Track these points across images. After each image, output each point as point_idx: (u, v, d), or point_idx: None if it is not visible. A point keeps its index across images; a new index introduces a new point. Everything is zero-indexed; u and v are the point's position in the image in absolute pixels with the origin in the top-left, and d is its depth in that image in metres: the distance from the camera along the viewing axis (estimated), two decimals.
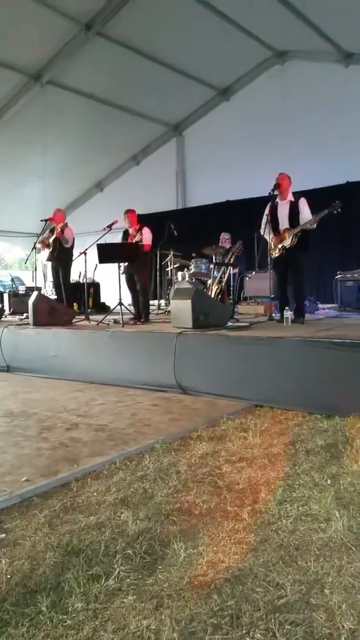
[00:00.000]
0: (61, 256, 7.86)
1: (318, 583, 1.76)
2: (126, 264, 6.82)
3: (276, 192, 5.94)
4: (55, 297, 8.20)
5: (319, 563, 1.88)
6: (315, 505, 2.33)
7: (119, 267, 6.71)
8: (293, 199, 5.89)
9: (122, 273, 6.87)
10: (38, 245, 8.13)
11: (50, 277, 11.10)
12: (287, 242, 5.79)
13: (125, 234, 7.15)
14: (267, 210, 6.02)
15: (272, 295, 6.69)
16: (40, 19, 7.85)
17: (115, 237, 7.80)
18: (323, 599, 1.67)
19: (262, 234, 6.17)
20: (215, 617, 1.61)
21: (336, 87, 9.25)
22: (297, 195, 5.97)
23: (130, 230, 7.05)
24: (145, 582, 1.81)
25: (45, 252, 7.98)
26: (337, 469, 2.77)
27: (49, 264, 8.50)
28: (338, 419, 3.67)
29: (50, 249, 7.85)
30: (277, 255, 5.92)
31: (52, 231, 7.93)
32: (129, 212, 7.13)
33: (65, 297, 7.96)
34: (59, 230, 7.74)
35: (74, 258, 8.02)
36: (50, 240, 7.85)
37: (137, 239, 6.86)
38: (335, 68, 9.28)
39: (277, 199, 5.94)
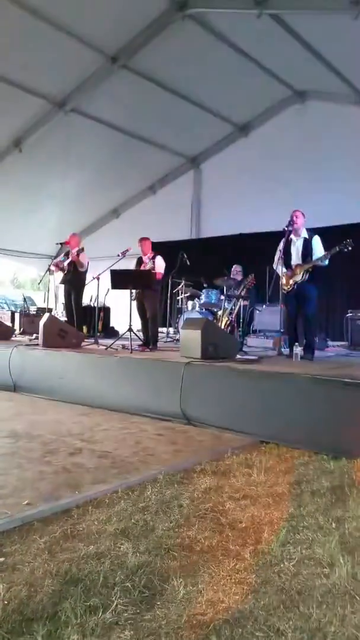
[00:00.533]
0: (75, 280, 7.96)
1: (320, 632, 1.72)
2: (138, 290, 6.89)
3: (290, 228, 6.03)
4: (66, 319, 8.27)
5: (322, 610, 1.84)
6: (319, 549, 2.29)
7: (131, 293, 6.77)
8: (307, 236, 5.97)
9: (133, 299, 6.94)
10: (52, 268, 8.25)
11: (61, 299, 11.21)
12: (299, 278, 5.84)
13: (139, 261, 7.25)
14: (280, 246, 6.10)
15: (281, 330, 6.70)
16: (69, 49, 8.17)
17: (129, 264, 7.90)
18: None
19: (274, 268, 6.24)
20: None
21: (353, 128, 9.44)
22: (311, 232, 6.06)
23: (144, 258, 7.16)
24: (143, 618, 1.77)
25: (60, 275, 8.09)
26: (342, 512, 2.72)
27: (62, 286, 8.61)
28: (345, 461, 3.62)
29: (65, 272, 7.97)
30: (288, 290, 5.96)
31: (67, 255, 8.06)
32: (143, 240, 7.26)
33: (76, 320, 8.02)
34: (75, 254, 7.86)
35: (87, 282, 8.12)
36: (66, 264, 7.97)
37: (149, 266, 6.95)
38: (353, 110, 9.49)
39: (291, 235, 6.02)
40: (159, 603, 1.86)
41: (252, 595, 1.93)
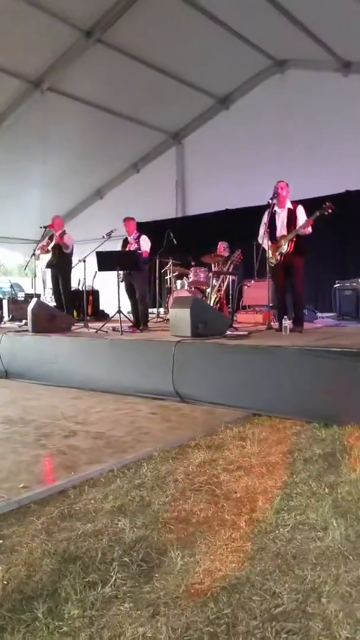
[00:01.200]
0: (61, 263, 7.90)
1: (315, 592, 1.76)
2: (125, 272, 6.85)
3: (274, 200, 5.99)
4: (55, 304, 8.22)
5: (316, 572, 1.89)
6: (313, 514, 2.33)
7: (118, 275, 6.73)
8: (291, 207, 5.93)
9: (121, 281, 6.89)
10: (37, 252, 8.16)
11: (49, 284, 11.13)
12: (284, 248, 5.82)
13: (125, 242, 7.19)
14: (265, 219, 6.06)
15: (270, 304, 6.71)
16: (41, 25, 7.90)
17: (115, 245, 7.83)
18: (320, 608, 1.68)
19: (260, 242, 6.21)
20: (212, 625, 1.61)
21: (335, 96, 9.32)
22: (296, 203, 6.02)
23: (129, 238, 7.10)
24: (141, 590, 1.81)
25: (45, 259, 8.02)
26: (334, 477, 2.77)
27: (49, 270, 8.53)
28: (336, 428, 3.68)
29: (50, 256, 7.90)
30: (275, 262, 5.95)
31: (51, 238, 7.97)
32: (127, 220, 7.18)
33: (65, 304, 7.97)
34: (58, 236, 7.78)
35: (73, 265, 8.05)
36: (50, 247, 7.89)
37: (135, 246, 6.90)
38: (334, 77, 9.36)
39: (275, 207, 5.98)
40: (157, 575, 1.90)
41: (248, 562, 1.97)
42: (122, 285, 6.96)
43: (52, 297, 9.32)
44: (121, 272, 6.82)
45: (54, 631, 1.59)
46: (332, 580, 1.83)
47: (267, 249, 6.06)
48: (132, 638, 1.55)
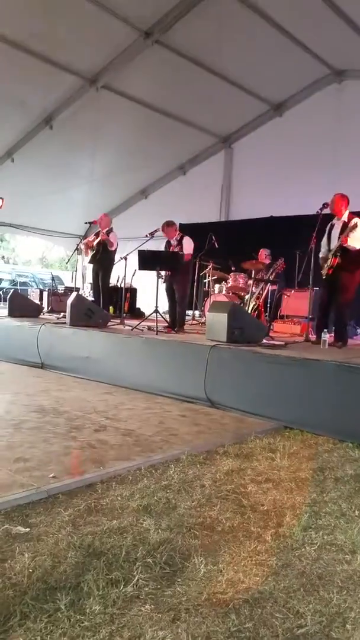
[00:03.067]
0: (103, 259, 8.00)
1: (340, 617, 1.72)
2: (167, 272, 6.89)
3: (325, 211, 5.90)
4: (92, 299, 8.33)
5: (342, 596, 1.84)
6: (341, 536, 2.28)
7: (158, 274, 6.76)
8: (347, 219, 5.80)
9: (163, 282, 6.94)
10: (81, 247, 8.28)
11: (89, 279, 11.31)
12: (329, 262, 5.72)
13: (168, 244, 7.22)
14: (328, 229, 5.98)
15: (310, 316, 6.60)
16: (101, 24, 8.02)
17: (157, 245, 7.87)
18: (344, 634, 1.63)
19: (320, 254, 6.07)
20: (232, 637, 1.59)
21: None
22: (353, 215, 5.85)
23: (172, 241, 7.12)
24: (163, 593, 1.80)
25: (89, 255, 8.14)
26: None
27: (90, 266, 8.65)
28: None
29: (94, 252, 8.01)
30: (325, 275, 5.86)
31: (97, 234, 8.09)
32: (166, 226, 7.12)
33: (103, 301, 8.07)
34: (104, 233, 7.89)
35: (115, 263, 8.14)
36: (95, 243, 8.01)
37: (176, 249, 6.93)
38: None
39: (335, 219, 5.89)
40: (179, 580, 1.89)
41: (272, 577, 1.94)
42: (163, 285, 6.99)
43: (91, 292, 9.47)
44: (162, 272, 6.86)
45: (75, 624, 1.60)
46: (358, 607, 1.78)
47: (320, 260, 5.96)
48: None
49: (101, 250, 7.93)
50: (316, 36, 8.58)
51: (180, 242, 7.00)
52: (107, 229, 7.97)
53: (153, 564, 1.97)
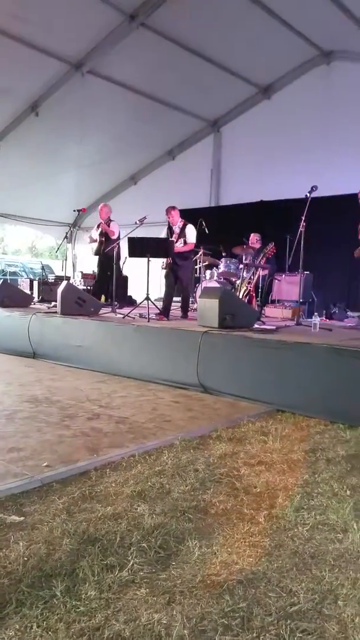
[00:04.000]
0: (108, 249, 7.99)
1: (332, 593, 1.75)
2: (169, 260, 6.88)
3: (314, 194, 5.87)
4: (88, 288, 8.30)
5: (334, 573, 1.87)
6: (333, 515, 2.31)
7: (148, 261, 6.73)
8: None
9: (163, 268, 6.94)
10: (89, 243, 8.29)
11: (79, 268, 11.25)
12: None
13: (170, 230, 7.19)
14: None
15: (301, 300, 6.62)
16: (85, 7, 7.86)
17: (147, 231, 7.82)
18: (336, 610, 1.66)
19: None
20: (226, 617, 1.61)
21: None
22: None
23: (174, 228, 7.09)
24: (158, 577, 1.82)
25: (94, 246, 8.17)
26: (357, 480, 2.74)
27: (79, 254, 8.61)
28: None
29: (97, 243, 8.01)
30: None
31: (98, 226, 8.09)
32: (170, 209, 7.15)
33: (115, 290, 8.00)
34: (104, 224, 7.89)
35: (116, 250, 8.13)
36: (97, 235, 8.01)
37: (176, 237, 6.90)
38: None
39: None
40: (174, 563, 1.91)
41: (265, 557, 1.97)
42: (153, 271, 6.98)
43: (93, 283, 9.43)
44: (164, 261, 6.86)
45: (71, 610, 1.62)
46: (349, 584, 1.81)
47: None
48: (147, 623, 1.57)
49: (104, 241, 7.93)
50: (304, 17, 8.45)
51: (183, 230, 6.97)
52: (106, 218, 7.96)
53: (148, 548, 1.99)
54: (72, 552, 1.95)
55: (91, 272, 11.05)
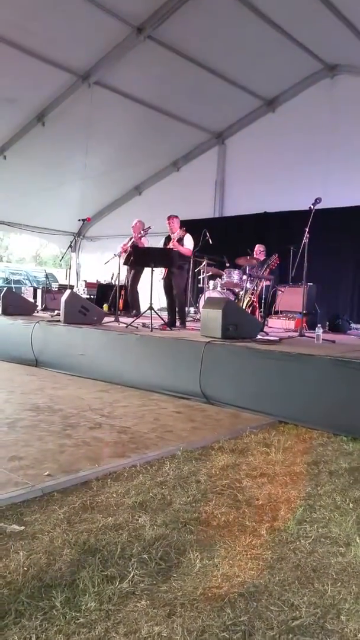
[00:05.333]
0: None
1: (334, 608, 1.73)
2: (166, 269, 6.90)
3: (318, 206, 5.91)
4: (91, 297, 8.35)
5: (336, 588, 1.85)
6: (336, 529, 2.29)
7: (152, 271, 6.75)
8: None
9: (162, 278, 6.96)
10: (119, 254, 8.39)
11: (83, 277, 11.29)
12: None
13: (167, 239, 7.22)
14: None
15: (304, 311, 6.62)
16: (92, 19, 7.97)
17: (151, 241, 7.87)
18: (339, 625, 1.64)
19: None
20: (228, 631, 1.59)
21: None
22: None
23: (173, 236, 7.12)
24: (159, 589, 1.81)
25: (122, 257, 8.28)
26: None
27: (83, 263, 8.66)
28: None
29: (127, 254, 8.10)
30: None
31: (129, 239, 8.23)
32: (171, 217, 7.21)
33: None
34: (138, 237, 8.07)
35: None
36: (128, 246, 8.09)
37: (174, 245, 6.94)
38: None
39: None
40: (175, 575, 1.90)
41: (267, 570, 1.95)
42: (157, 281, 7.00)
43: (85, 290, 9.46)
44: (162, 270, 6.88)
45: (70, 621, 1.60)
46: (352, 598, 1.79)
47: None
48: (147, 636, 1.55)
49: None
50: (308, 31, 8.56)
51: (182, 239, 7.00)
52: (138, 233, 8.06)
53: (148, 559, 1.98)
54: (72, 562, 1.94)
55: (94, 281, 11.09)
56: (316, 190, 6.28)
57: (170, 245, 6.97)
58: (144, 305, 8.83)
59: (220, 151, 11.91)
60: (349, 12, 7.84)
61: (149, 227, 7.38)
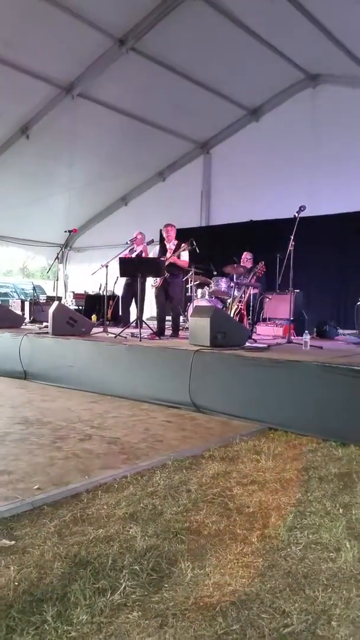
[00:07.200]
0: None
1: (325, 614, 1.74)
2: (162, 279, 6.92)
3: (302, 214, 5.99)
4: (79, 308, 8.32)
5: (327, 593, 1.86)
6: (326, 534, 2.30)
7: (138, 281, 6.77)
8: None
9: (157, 286, 6.98)
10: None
11: (71, 288, 11.27)
12: None
13: (163, 248, 7.25)
14: None
15: (291, 318, 6.67)
16: (75, 31, 8.03)
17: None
18: (330, 631, 1.65)
19: None
20: None
21: None
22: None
23: (169, 245, 7.16)
24: (150, 599, 1.80)
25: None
26: (349, 498, 2.74)
27: (71, 274, 8.63)
28: (353, 448, 3.63)
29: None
30: None
31: (131, 251, 8.18)
32: (168, 226, 7.26)
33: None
34: (139, 252, 8.07)
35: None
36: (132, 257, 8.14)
37: (174, 255, 6.98)
38: None
39: None
40: (166, 585, 1.90)
41: (258, 578, 1.96)
42: (153, 290, 7.03)
43: (73, 301, 9.44)
44: (157, 280, 6.90)
45: (62, 635, 1.60)
46: (343, 604, 1.80)
47: None
48: None
49: None
50: (290, 42, 8.70)
51: (178, 248, 7.03)
52: (140, 247, 8.09)
53: (140, 570, 1.97)
54: (63, 575, 1.93)
55: (82, 292, 11.08)
56: (301, 198, 6.36)
57: (168, 255, 7.00)
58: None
59: (206, 161, 12.01)
60: (329, 23, 8.00)
61: (152, 240, 7.43)
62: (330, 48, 8.45)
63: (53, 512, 2.49)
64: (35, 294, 11.02)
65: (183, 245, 7.02)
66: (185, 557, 2.08)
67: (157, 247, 7.44)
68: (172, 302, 7.14)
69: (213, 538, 2.27)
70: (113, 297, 9.74)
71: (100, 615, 1.70)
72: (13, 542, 2.18)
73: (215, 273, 8.48)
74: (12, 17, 7.65)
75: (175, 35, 8.38)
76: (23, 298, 12.92)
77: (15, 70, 8.53)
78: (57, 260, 8.55)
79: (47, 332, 6.86)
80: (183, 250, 7.00)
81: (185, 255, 7.08)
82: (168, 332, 7.32)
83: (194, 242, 8.81)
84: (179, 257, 6.96)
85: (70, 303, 10.35)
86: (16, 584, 1.87)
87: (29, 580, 1.89)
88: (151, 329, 7.01)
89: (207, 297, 8.15)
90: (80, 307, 10.06)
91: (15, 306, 10.34)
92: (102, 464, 3.20)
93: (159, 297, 7.12)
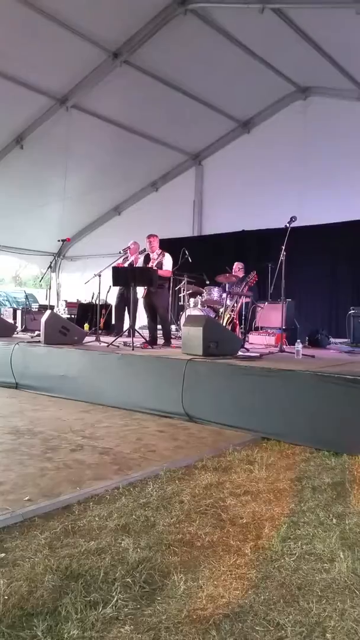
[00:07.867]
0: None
1: (320, 626, 1.72)
2: (146, 288, 6.92)
3: (293, 224, 6.03)
4: (72, 317, 8.27)
5: (321, 605, 1.84)
6: (320, 545, 2.29)
7: (131, 290, 6.77)
8: None
9: (143, 297, 6.98)
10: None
11: (63, 297, 11.23)
12: None
13: (147, 258, 7.25)
14: None
15: (283, 327, 6.69)
16: (70, 45, 8.14)
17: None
18: None
19: None
20: None
21: (357, 124, 9.41)
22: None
23: (152, 255, 7.17)
24: (143, 613, 1.78)
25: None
26: (343, 508, 2.72)
27: (64, 282, 8.60)
28: (346, 457, 3.62)
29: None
30: None
31: (124, 260, 8.13)
32: (151, 236, 7.27)
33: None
34: (131, 261, 7.97)
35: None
36: (125, 266, 8.09)
37: (157, 263, 6.97)
38: (356, 106, 9.45)
39: None
40: (159, 598, 1.87)
41: (252, 590, 1.93)
42: (141, 301, 7.02)
43: (66, 309, 9.40)
44: (141, 289, 6.90)
45: None
46: (337, 615, 1.78)
47: None
48: None
49: None
50: (281, 55, 8.85)
51: (160, 262, 7.04)
52: (134, 255, 8.01)
53: (132, 583, 1.95)
54: (54, 589, 1.90)
55: (75, 301, 11.05)
56: (292, 209, 6.42)
57: (150, 265, 7.01)
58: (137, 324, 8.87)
59: (198, 172, 12.10)
60: (319, 37, 8.14)
61: (144, 249, 7.44)
62: (321, 61, 8.60)
63: (44, 524, 2.45)
64: (27, 303, 10.98)
65: (162, 252, 7.03)
66: (178, 570, 2.06)
67: (142, 258, 7.43)
68: (157, 312, 7.13)
69: (206, 550, 2.25)
70: (106, 305, 9.72)
71: (92, 630, 1.67)
72: (3, 555, 2.14)
73: (207, 282, 8.50)
74: (8, 30, 7.71)
75: (168, 49, 8.49)
76: (15, 306, 12.85)
77: (9, 81, 8.60)
78: (50, 269, 8.54)
79: (39, 341, 6.82)
80: (163, 258, 7.00)
81: (167, 265, 7.08)
82: (161, 341, 7.31)
83: (186, 252, 8.87)
84: (160, 267, 6.97)
85: (62, 312, 10.32)
86: (6, 597, 1.83)
87: (18, 593, 1.86)
88: (144, 338, 6.99)
89: (199, 306, 8.16)
90: (73, 316, 10.02)
91: (7, 315, 10.30)
92: (94, 475, 3.17)
93: (146, 308, 7.15)
